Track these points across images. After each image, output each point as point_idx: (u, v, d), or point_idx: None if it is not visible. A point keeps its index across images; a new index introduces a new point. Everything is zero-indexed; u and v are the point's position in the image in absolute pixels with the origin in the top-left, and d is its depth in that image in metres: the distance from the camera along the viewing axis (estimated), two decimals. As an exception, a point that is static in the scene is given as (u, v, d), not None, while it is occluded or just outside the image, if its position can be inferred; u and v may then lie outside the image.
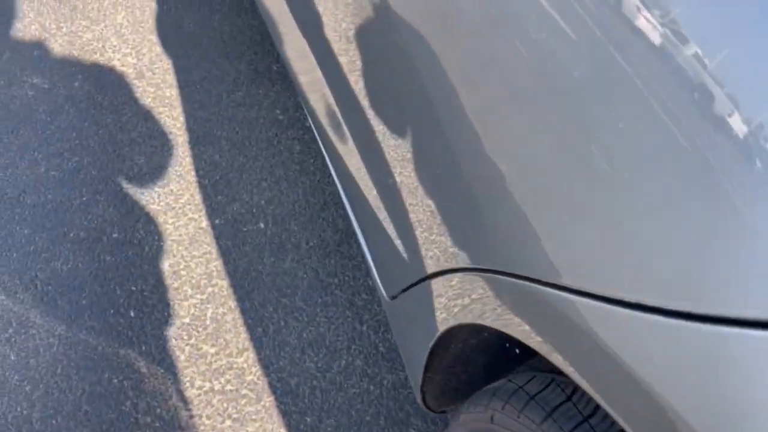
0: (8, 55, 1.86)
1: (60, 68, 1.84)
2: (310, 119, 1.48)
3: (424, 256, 0.80)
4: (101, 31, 1.95)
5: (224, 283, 1.45)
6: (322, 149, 1.43)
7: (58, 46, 1.90)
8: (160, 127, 1.73)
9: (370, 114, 1.06)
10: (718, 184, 0.46)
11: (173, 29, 1.98)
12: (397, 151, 0.95)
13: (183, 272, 1.46)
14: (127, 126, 1.72)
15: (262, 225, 1.56)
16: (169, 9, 2.04)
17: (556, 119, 0.57)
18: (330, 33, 1.18)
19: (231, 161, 1.67)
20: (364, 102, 1.08)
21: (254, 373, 1.32)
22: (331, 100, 1.27)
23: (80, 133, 1.70)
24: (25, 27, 1.94)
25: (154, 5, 2.05)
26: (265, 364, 1.33)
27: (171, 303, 1.41)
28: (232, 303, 1.42)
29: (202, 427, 1.27)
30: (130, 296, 1.41)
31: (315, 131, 1.46)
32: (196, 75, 1.87)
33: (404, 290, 0.91)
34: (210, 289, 1.44)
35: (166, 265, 1.47)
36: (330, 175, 1.66)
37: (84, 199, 1.57)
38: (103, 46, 1.91)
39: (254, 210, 1.58)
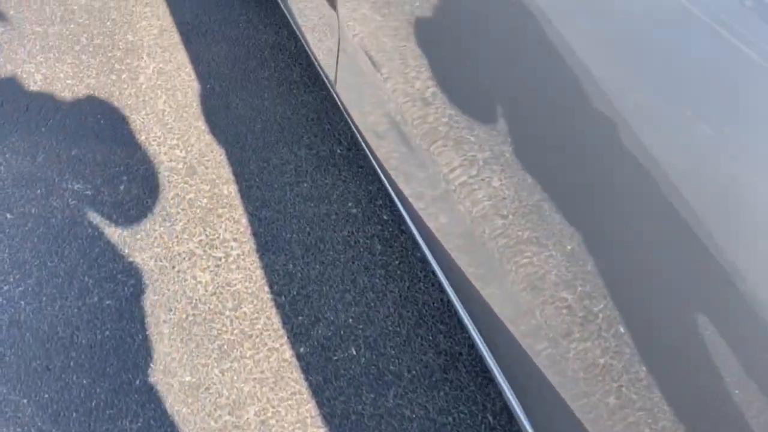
0: (43, 157, 1.63)
1: (102, 169, 1.60)
2: (402, 208, 1.25)
3: None
4: (143, 121, 1.72)
5: (322, 432, 1.21)
6: (426, 251, 1.19)
7: (97, 143, 1.66)
8: (221, 233, 1.49)
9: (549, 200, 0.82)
10: None
11: (221, 112, 1.75)
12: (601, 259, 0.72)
13: (272, 421, 1.22)
14: (183, 235, 1.49)
15: (353, 351, 1.32)
16: (213, 88, 1.81)
17: None
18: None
19: (307, 271, 1.44)
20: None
21: None
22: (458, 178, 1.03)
23: (132, 248, 1.46)
24: (59, 122, 1.70)
25: (196, 85, 1.82)
26: None
27: (264, 465, 1.17)
28: (335, 459, 1.18)
29: None
30: (214, 459, 1.17)
31: (410, 222, 1.23)
32: (253, 166, 1.63)
33: None
34: (306, 442, 1.20)
35: (251, 414, 1.22)
36: (422, 279, 1.42)
37: (146, 333, 1.33)
38: (147, 139, 1.68)
39: (342, 332, 1.34)
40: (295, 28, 1.66)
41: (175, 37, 1.95)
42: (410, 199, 1.24)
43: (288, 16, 1.69)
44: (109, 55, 1.88)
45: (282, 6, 1.72)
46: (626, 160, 0.69)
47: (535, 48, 0.81)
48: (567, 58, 0.76)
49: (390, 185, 1.31)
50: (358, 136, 1.36)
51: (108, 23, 1.98)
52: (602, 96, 0.72)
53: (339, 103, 1.39)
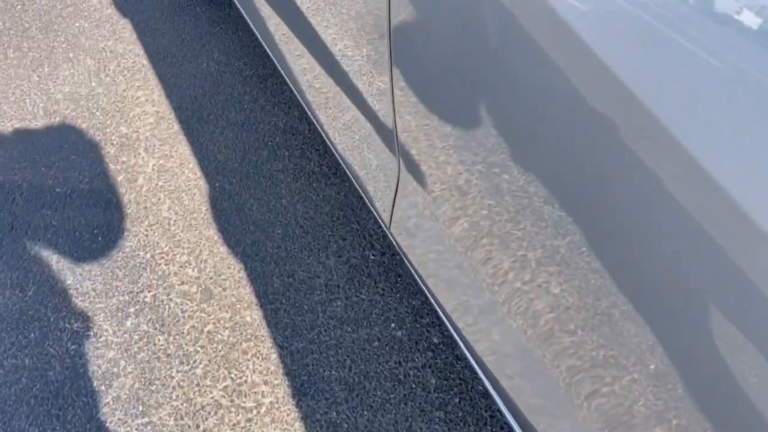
0: (34, 290, 1.39)
1: (104, 301, 1.37)
2: (450, 326, 1.04)
3: None
4: (146, 234, 1.49)
5: None
6: (485, 382, 0.98)
7: (96, 266, 1.43)
8: (249, 375, 1.26)
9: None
10: None
11: (234, 216, 1.53)
12: None
13: None
14: (206, 381, 1.26)
15: None
16: (223, 187, 1.59)
17: None
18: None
19: (353, 419, 1.21)
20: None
21: None
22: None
23: (147, 404, 1.23)
24: (50, 242, 1.47)
25: (203, 184, 1.59)
26: None
27: None
28: None
29: None
30: None
31: (462, 345, 1.02)
32: (277, 283, 1.41)
33: None
34: None
35: None
36: (488, 420, 1.20)
37: None
38: (153, 257, 1.45)
39: (404, 500, 1.12)
40: (307, 109, 1.43)
41: (174, 126, 1.72)
42: (454, 315, 1.04)
43: (299, 98, 1.46)
44: (102, 152, 1.65)
45: (293, 89, 1.49)
46: (720, 259, 0.53)
47: (587, 125, 0.64)
48: (631, 138, 0.59)
49: (433, 298, 1.10)
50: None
51: (98, 113, 1.75)
52: (681, 184, 0.55)
53: (394, 243, 1.18)
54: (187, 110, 1.76)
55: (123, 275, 1.41)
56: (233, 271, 1.42)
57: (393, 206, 1.07)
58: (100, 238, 1.47)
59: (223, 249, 1.46)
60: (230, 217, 1.52)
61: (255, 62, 1.90)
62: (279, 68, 1.56)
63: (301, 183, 1.59)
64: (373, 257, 1.45)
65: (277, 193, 1.57)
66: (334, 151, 1.36)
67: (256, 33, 1.64)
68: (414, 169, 0.98)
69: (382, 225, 1.18)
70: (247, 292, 1.39)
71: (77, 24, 2.02)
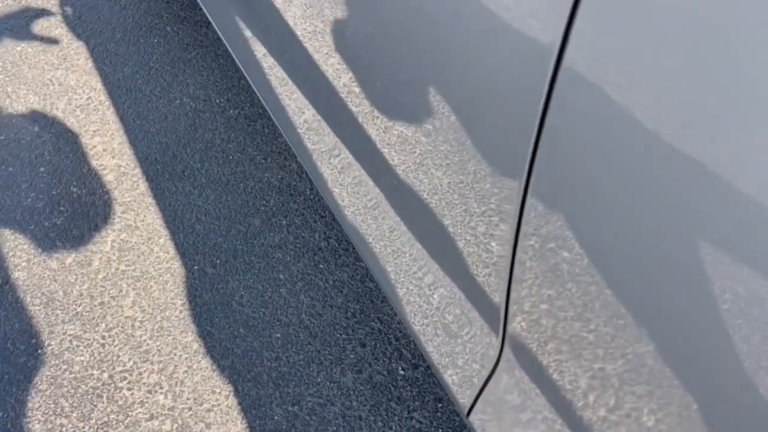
0: (-53, 433, 1.01)
1: (43, 449, 1.00)
2: None
3: None
4: (102, 343, 1.11)
5: None
6: None
7: (32, 408, 1.05)
8: None
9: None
10: None
11: (219, 314, 1.16)
12: None
13: None
14: None
15: None
16: (203, 271, 1.21)
17: None
18: None
19: None
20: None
21: None
22: None
23: None
24: (-28, 358, 1.09)
25: (177, 267, 1.22)
26: None
27: None
28: None
29: None
30: None
31: None
32: (278, 415, 1.05)
33: None
34: None
35: None
36: None
37: None
38: (111, 378, 1.07)
39: None
40: (303, 164, 1.06)
41: (140, 185, 1.34)
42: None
43: (293, 149, 1.09)
44: (45, 225, 1.27)
45: (286, 137, 1.12)
46: None
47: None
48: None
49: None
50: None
51: (42, 170, 1.36)
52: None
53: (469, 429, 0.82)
54: (156, 163, 1.38)
55: (70, 408, 1.04)
56: (219, 396, 1.06)
57: (481, 392, 0.71)
58: (39, 351, 1.10)
59: (205, 363, 1.09)
60: (214, 315, 1.15)
61: (241, 98, 1.52)
62: (267, 108, 1.19)
63: (304, 264, 1.23)
64: (402, 371, 1.10)
65: (274, 279, 1.20)
66: (340, 221, 1.00)
67: (238, 63, 1.27)
68: (523, 352, 0.63)
69: (455, 405, 0.82)
70: (238, 430, 1.02)
71: (18, 48, 1.62)
